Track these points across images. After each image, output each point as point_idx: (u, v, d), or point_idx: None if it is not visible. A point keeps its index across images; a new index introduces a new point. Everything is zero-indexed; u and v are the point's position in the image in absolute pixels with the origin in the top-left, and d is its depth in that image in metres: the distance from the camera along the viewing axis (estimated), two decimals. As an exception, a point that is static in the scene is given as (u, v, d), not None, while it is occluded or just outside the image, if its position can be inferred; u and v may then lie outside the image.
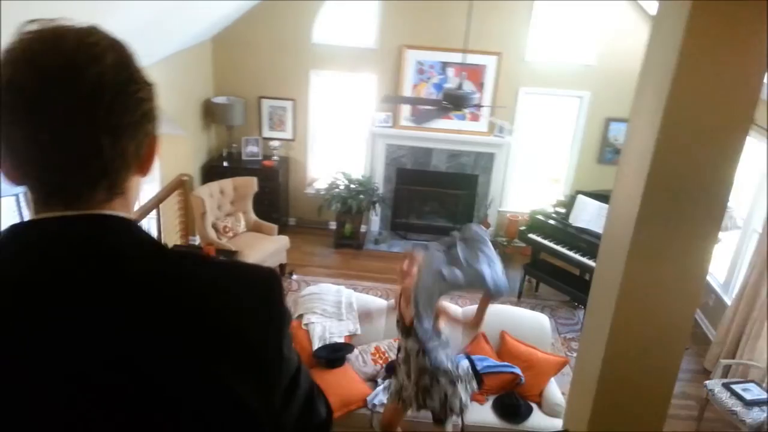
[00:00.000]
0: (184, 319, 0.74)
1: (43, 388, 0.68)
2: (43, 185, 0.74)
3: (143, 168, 0.80)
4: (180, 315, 0.74)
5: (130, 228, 0.77)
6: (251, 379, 0.77)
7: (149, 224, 5.78)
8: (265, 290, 0.81)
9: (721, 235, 4.49)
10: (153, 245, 0.78)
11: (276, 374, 0.81)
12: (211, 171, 6.22)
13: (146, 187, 5.99)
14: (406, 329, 3.14)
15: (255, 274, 0.83)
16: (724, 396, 3.87)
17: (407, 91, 6.17)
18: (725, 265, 5.25)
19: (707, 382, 4.11)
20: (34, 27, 0.71)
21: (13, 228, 0.74)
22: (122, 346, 0.70)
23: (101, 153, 0.72)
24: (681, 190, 1.64)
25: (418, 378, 3.12)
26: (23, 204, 6.45)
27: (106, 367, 0.70)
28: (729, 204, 4.07)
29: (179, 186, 5.80)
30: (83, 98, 0.70)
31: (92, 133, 0.71)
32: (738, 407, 3.76)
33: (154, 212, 5.43)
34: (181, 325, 0.73)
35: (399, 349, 3.32)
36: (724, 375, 4.33)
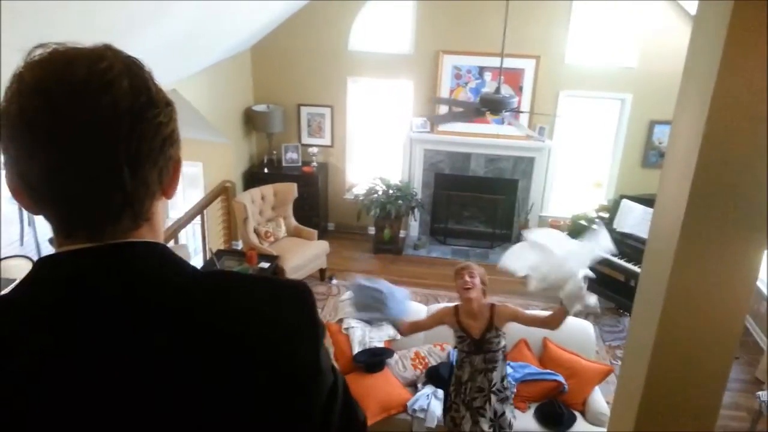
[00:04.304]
0: (225, 342, 0.73)
1: (93, 418, 0.68)
2: (65, 219, 0.71)
3: (167, 192, 0.77)
4: (222, 337, 0.73)
5: (160, 253, 0.75)
6: (292, 394, 0.76)
7: (194, 229, 5.94)
8: (299, 303, 0.81)
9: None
10: (184, 267, 0.77)
11: (315, 388, 0.80)
12: (253, 177, 6.34)
13: (191, 194, 6.17)
14: (477, 345, 3.00)
15: (287, 288, 0.83)
16: (778, 407, 3.71)
17: (444, 96, 6.16)
18: (778, 271, 5.05)
19: (760, 393, 3.96)
20: (41, 52, 0.68)
21: (45, 262, 0.72)
22: (168, 372, 0.70)
23: (123, 184, 0.69)
24: (728, 193, 1.60)
25: (473, 398, 3.06)
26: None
27: (151, 390, 0.70)
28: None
29: (222, 192, 5.96)
30: (100, 129, 0.66)
31: (112, 165, 0.68)
32: (793, 419, 3.61)
33: (198, 217, 5.59)
34: (223, 347, 0.73)
35: (459, 366, 3.12)
36: (778, 385, 4.17)
